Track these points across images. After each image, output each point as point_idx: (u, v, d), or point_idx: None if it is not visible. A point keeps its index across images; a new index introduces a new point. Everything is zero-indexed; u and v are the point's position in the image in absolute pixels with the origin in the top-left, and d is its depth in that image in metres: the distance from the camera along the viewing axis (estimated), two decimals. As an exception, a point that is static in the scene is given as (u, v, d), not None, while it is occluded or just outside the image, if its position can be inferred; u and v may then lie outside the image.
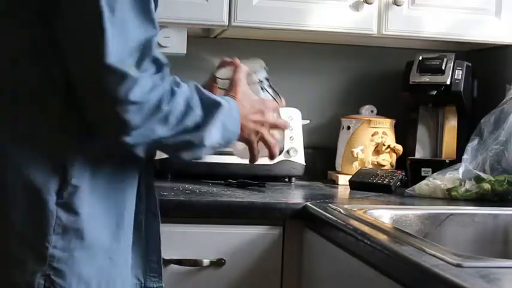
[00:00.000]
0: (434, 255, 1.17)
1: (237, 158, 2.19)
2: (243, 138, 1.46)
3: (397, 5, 2.18)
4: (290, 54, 2.51)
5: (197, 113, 1.32)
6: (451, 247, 1.30)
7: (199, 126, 1.32)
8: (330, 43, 2.50)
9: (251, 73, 1.56)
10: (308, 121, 2.35)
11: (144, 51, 1.25)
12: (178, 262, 1.74)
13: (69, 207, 1.27)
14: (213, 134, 1.35)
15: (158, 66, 1.28)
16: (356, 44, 2.50)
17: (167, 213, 1.73)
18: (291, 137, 2.26)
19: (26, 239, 1.26)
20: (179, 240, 1.74)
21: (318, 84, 2.54)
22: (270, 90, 1.60)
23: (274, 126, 1.52)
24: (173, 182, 2.13)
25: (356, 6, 2.17)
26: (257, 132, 1.48)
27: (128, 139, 1.25)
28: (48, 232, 1.25)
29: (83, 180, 1.28)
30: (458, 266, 1.11)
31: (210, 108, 1.35)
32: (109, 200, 1.32)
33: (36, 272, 1.25)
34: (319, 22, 2.16)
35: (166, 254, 1.73)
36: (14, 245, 1.26)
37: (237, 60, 1.57)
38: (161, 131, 1.28)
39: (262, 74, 1.60)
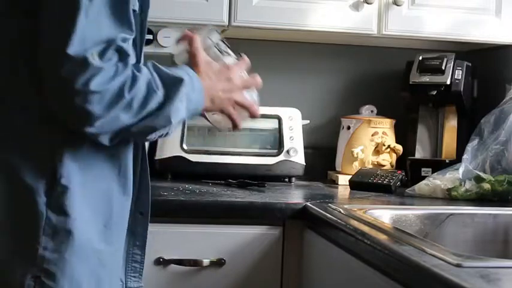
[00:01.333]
0: (434, 255, 1.17)
1: (238, 158, 2.21)
2: (218, 110, 1.44)
3: (397, 5, 2.18)
4: (290, 54, 2.51)
5: (159, 94, 1.29)
6: (451, 247, 1.30)
7: (163, 106, 1.30)
8: (330, 43, 2.50)
9: (205, 39, 1.52)
10: (308, 121, 2.35)
11: (111, 44, 1.23)
12: (178, 262, 1.74)
13: (59, 208, 1.25)
14: (178, 111, 1.32)
15: (122, 55, 1.25)
16: (356, 44, 2.51)
17: (167, 213, 1.74)
18: (291, 137, 2.26)
19: (16, 240, 1.25)
20: (179, 240, 1.74)
21: (318, 84, 2.54)
22: (228, 51, 1.56)
23: (245, 87, 1.49)
24: (173, 182, 2.13)
25: (356, 6, 2.17)
26: (229, 99, 1.45)
27: (91, 129, 1.23)
28: (38, 233, 1.24)
29: (72, 181, 1.27)
30: (458, 266, 1.11)
31: (172, 85, 1.31)
32: (99, 201, 1.31)
33: (26, 273, 1.24)
34: (319, 22, 2.16)
35: (166, 254, 1.73)
36: (3, 246, 1.25)
37: (188, 32, 1.50)
38: (125, 118, 1.25)
39: (216, 37, 1.55)
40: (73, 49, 1.19)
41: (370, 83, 2.55)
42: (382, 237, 1.37)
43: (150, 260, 1.71)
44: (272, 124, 2.27)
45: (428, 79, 2.29)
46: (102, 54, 1.22)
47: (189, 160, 2.19)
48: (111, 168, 1.34)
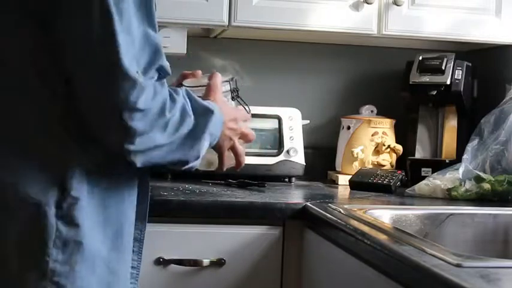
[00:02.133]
0: (434, 255, 1.17)
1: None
2: (218, 146, 1.45)
3: (397, 5, 2.18)
4: (290, 54, 2.51)
5: (191, 121, 1.32)
6: (451, 247, 1.30)
7: (192, 134, 1.32)
8: (330, 43, 2.50)
9: (224, 82, 1.56)
10: (308, 121, 2.35)
11: (152, 58, 1.25)
12: (178, 262, 1.74)
13: (69, 220, 1.25)
14: (204, 141, 1.35)
15: (161, 74, 1.28)
16: (356, 44, 2.51)
17: (167, 213, 1.74)
18: (291, 137, 2.26)
19: (26, 254, 1.24)
20: (179, 240, 1.74)
21: (318, 84, 2.54)
22: (239, 100, 1.60)
23: (244, 136, 1.52)
24: (173, 182, 2.13)
25: (356, 6, 2.17)
26: (230, 140, 1.47)
27: (131, 147, 1.24)
28: (49, 246, 1.23)
29: (82, 192, 1.26)
30: (458, 266, 1.11)
31: (202, 115, 1.35)
32: (108, 211, 1.31)
33: (36, 287, 1.23)
34: (319, 22, 2.16)
35: (166, 254, 1.73)
36: (14, 261, 1.23)
37: (199, 71, 1.57)
38: (160, 138, 1.27)
39: (234, 84, 1.60)
40: (123, 67, 1.19)
41: (370, 83, 2.55)
42: (382, 237, 1.37)
43: (150, 260, 1.71)
44: (272, 124, 2.27)
45: (428, 79, 2.29)
46: (145, 72, 1.23)
47: (189, 160, 2.19)
48: (120, 178, 1.34)
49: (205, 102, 1.38)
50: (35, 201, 1.23)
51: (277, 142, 2.26)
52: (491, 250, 1.73)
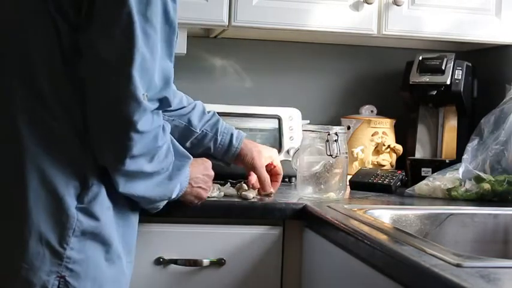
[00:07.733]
0: (434, 255, 1.17)
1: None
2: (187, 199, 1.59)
3: (397, 5, 2.18)
4: (290, 54, 2.51)
5: (172, 160, 1.42)
6: (451, 247, 1.30)
7: (171, 174, 1.43)
8: (330, 43, 2.50)
9: None
10: (308, 121, 2.35)
11: (161, 88, 1.32)
12: (178, 262, 1.74)
13: (90, 213, 1.31)
14: (176, 185, 1.46)
15: (162, 104, 1.34)
16: (356, 44, 2.51)
17: (167, 213, 1.73)
18: (291, 137, 2.26)
19: (45, 239, 1.29)
20: (179, 240, 1.74)
21: (318, 84, 2.54)
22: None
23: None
24: (173, 182, 2.13)
25: (356, 6, 2.17)
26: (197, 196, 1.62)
27: (120, 166, 1.31)
28: (68, 234, 1.29)
29: (102, 187, 1.33)
30: (458, 266, 1.11)
31: (180, 158, 1.45)
32: (122, 208, 1.38)
33: (52, 272, 1.28)
34: (319, 22, 2.16)
35: (166, 254, 1.73)
36: (32, 245, 1.28)
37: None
38: (147, 166, 1.35)
39: None
40: (134, 87, 1.26)
41: (370, 83, 2.55)
42: (382, 237, 1.37)
43: (150, 260, 1.71)
44: (272, 124, 2.27)
45: (428, 79, 2.29)
46: (150, 99, 1.30)
47: (189, 160, 2.19)
48: None
49: (183, 149, 1.48)
50: (58, 193, 1.29)
51: (277, 142, 2.26)
52: (491, 250, 1.73)
